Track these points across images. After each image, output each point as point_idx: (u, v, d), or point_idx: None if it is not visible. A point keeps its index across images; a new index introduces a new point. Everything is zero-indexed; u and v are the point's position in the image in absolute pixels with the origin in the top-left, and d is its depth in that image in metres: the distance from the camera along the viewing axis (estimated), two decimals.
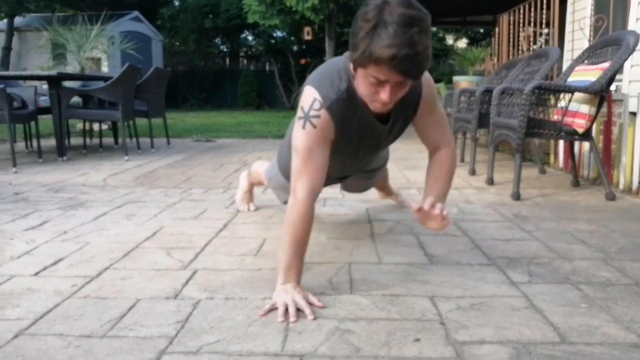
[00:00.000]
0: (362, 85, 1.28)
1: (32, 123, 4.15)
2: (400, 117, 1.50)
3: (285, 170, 1.79)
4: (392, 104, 1.30)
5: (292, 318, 1.23)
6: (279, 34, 14.91)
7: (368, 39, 1.17)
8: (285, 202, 1.64)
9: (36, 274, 1.54)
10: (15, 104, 4.01)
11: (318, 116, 1.37)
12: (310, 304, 1.29)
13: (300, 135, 1.39)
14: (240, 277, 1.52)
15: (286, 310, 1.26)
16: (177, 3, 15.72)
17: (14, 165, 3.52)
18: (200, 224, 2.13)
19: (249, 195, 2.40)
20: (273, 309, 1.28)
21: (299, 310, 1.27)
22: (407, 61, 1.16)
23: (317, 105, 1.38)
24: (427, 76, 1.47)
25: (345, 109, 1.40)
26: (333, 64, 1.44)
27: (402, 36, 1.14)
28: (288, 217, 1.37)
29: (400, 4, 1.17)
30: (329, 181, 1.88)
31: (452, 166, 1.54)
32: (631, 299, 1.36)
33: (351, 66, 1.31)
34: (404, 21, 1.14)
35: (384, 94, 1.24)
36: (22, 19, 12.08)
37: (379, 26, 1.15)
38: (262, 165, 2.16)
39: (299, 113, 1.41)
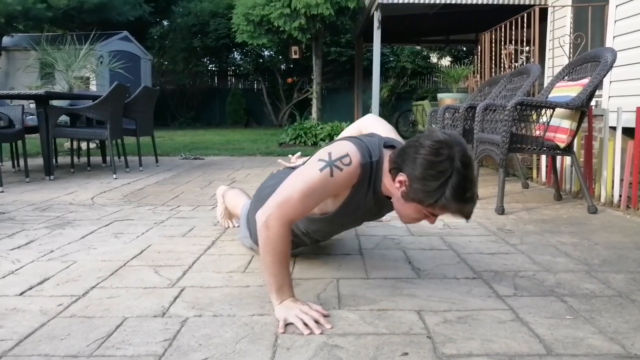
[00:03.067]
0: (411, 211, 1.36)
1: (19, 142, 4.12)
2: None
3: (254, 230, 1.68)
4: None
5: (305, 331, 1.25)
6: (266, 53, 15.03)
7: (442, 189, 1.25)
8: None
9: (21, 293, 1.52)
10: (2, 123, 3.99)
11: (341, 169, 1.37)
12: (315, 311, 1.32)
13: (313, 173, 1.37)
14: (228, 294, 1.52)
15: (286, 325, 1.29)
16: (166, 23, 15.79)
17: (0, 184, 3.48)
18: (188, 242, 2.13)
19: (228, 212, 2.35)
20: (287, 324, 1.29)
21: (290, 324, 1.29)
22: (473, 210, 1.32)
23: (347, 160, 1.38)
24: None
25: (367, 176, 1.42)
26: (373, 141, 1.47)
27: (470, 191, 1.27)
28: (267, 241, 1.35)
29: (462, 158, 1.26)
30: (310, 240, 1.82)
31: None
32: (615, 310, 1.38)
33: (386, 165, 1.40)
34: (469, 178, 1.26)
35: (432, 221, 1.37)
36: (10, 39, 12.03)
37: (450, 179, 1.25)
38: (240, 200, 2.11)
39: (324, 156, 1.39)
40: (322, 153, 1.41)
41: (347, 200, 1.47)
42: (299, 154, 1.92)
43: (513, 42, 4.95)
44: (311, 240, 1.76)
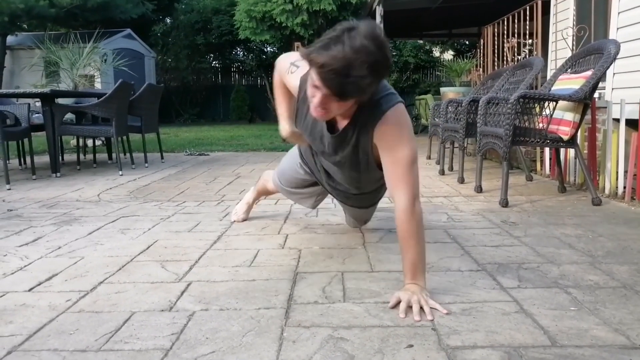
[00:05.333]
0: (309, 84, 1.34)
1: (26, 140, 4.15)
2: (349, 138, 1.51)
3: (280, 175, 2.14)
4: (321, 113, 1.35)
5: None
6: (269, 49, 15.01)
7: (321, 44, 1.24)
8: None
9: (30, 289, 1.54)
10: (9, 121, 4.02)
11: (292, 72, 1.58)
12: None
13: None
14: (234, 288, 1.53)
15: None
16: (168, 20, 15.80)
17: (7, 182, 3.51)
18: (194, 237, 2.14)
19: (248, 207, 2.43)
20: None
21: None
22: (333, 76, 1.21)
23: (293, 68, 1.58)
24: (397, 112, 1.42)
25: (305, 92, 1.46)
26: None
27: (346, 56, 1.19)
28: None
29: (365, 35, 1.22)
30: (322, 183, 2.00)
31: (409, 230, 1.39)
32: (619, 301, 1.39)
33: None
34: (358, 48, 1.20)
35: (316, 99, 1.31)
36: (14, 38, 12.07)
37: (336, 42, 1.22)
38: (267, 181, 2.28)
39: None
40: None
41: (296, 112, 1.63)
42: None
43: (516, 35, 4.92)
44: (310, 174, 1.99)
